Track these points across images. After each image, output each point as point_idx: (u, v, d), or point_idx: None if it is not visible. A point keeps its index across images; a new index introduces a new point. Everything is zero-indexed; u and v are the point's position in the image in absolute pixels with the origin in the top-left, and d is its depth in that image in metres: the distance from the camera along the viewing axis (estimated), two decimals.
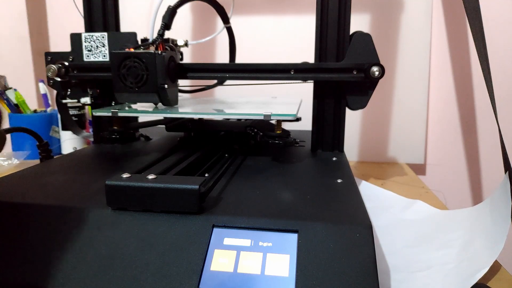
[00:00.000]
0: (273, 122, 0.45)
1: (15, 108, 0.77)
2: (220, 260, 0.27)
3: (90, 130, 0.76)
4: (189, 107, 0.50)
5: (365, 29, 0.71)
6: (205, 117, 0.55)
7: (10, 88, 0.77)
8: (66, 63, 0.51)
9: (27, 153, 0.72)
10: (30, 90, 0.89)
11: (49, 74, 0.50)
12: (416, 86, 0.77)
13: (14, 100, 0.77)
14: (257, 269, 0.26)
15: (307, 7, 0.78)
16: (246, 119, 0.56)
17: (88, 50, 0.53)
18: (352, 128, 0.80)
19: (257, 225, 0.28)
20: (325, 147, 0.51)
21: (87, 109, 0.78)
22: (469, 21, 0.48)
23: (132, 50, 0.45)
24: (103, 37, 0.52)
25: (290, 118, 0.42)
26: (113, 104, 0.54)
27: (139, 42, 0.52)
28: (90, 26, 0.55)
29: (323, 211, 0.30)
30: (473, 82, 0.75)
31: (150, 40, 0.48)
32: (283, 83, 0.49)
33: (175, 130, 0.55)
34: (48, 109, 0.81)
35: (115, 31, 0.55)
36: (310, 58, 0.49)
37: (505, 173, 0.39)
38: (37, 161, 0.51)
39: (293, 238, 0.28)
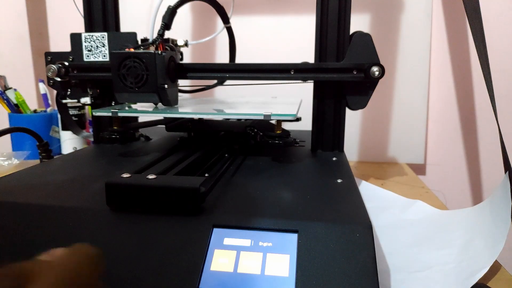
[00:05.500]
0: (273, 122, 0.45)
1: (15, 108, 0.77)
2: (220, 260, 0.27)
3: (90, 130, 0.76)
4: (189, 107, 0.50)
5: (365, 29, 0.71)
6: (205, 117, 0.55)
7: (10, 88, 0.77)
8: (66, 63, 0.51)
9: (27, 153, 0.72)
10: (30, 90, 0.89)
11: (49, 74, 0.50)
12: (416, 86, 0.77)
13: (14, 100, 0.77)
14: (257, 269, 0.26)
15: (307, 7, 0.78)
16: (246, 119, 0.56)
17: (88, 50, 0.53)
18: (352, 128, 0.79)
19: (257, 225, 0.28)
20: (325, 147, 0.51)
21: (87, 109, 0.78)
22: (469, 21, 0.48)
23: (132, 50, 0.45)
24: (103, 37, 0.52)
25: (290, 118, 0.42)
26: (113, 104, 0.54)
27: (139, 42, 0.52)
28: (90, 26, 0.55)
29: (323, 211, 0.30)
30: (473, 82, 0.75)
31: (150, 40, 0.48)
32: (283, 83, 0.49)
33: (175, 130, 0.55)
34: (48, 109, 0.81)
35: (115, 31, 0.55)
36: (310, 58, 0.49)
37: (505, 173, 0.39)
38: (37, 161, 0.51)
39: (293, 238, 0.28)
